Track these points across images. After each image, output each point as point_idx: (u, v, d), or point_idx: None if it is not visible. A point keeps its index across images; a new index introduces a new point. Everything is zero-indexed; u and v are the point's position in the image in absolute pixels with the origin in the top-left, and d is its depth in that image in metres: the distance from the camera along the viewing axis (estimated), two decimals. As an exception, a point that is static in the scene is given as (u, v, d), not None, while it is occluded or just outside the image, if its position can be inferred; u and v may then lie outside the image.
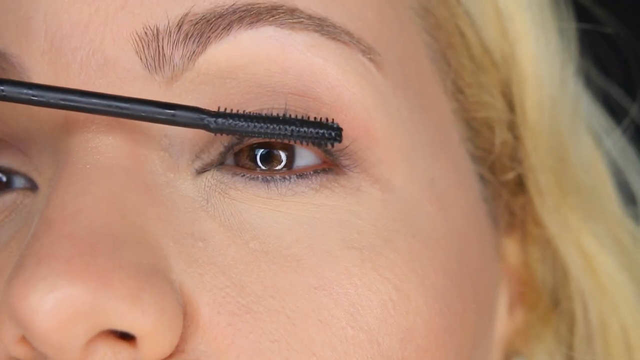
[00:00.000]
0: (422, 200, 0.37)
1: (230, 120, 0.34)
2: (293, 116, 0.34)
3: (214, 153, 0.35)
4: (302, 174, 0.35)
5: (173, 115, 0.33)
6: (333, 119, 0.35)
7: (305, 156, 0.36)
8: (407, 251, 0.35)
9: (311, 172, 0.35)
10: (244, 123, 0.34)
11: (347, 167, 0.36)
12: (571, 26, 0.46)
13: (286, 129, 0.34)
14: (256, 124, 0.34)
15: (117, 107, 0.33)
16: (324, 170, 0.36)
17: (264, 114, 0.34)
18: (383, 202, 0.36)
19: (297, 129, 0.34)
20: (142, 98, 0.33)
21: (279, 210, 0.35)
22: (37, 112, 0.35)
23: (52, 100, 0.33)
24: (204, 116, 0.33)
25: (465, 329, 0.37)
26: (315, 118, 0.35)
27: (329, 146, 0.35)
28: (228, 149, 0.36)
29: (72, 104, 0.33)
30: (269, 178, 0.35)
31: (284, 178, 0.35)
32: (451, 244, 0.37)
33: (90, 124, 0.34)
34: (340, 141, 0.35)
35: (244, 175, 0.35)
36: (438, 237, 0.37)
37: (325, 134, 0.34)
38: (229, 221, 0.34)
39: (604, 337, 0.44)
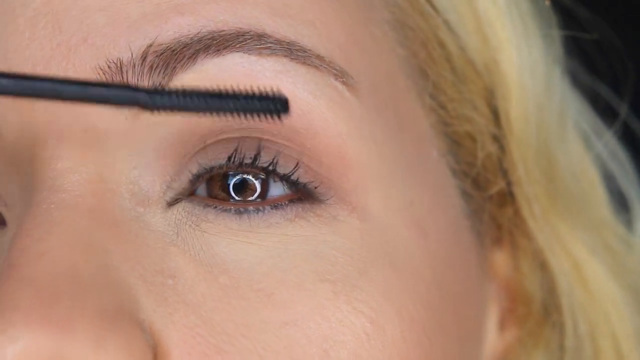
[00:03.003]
0: (400, 226, 0.36)
1: (168, 97, 0.31)
2: (236, 90, 0.32)
3: (184, 180, 0.35)
4: (276, 205, 0.34)
5: (104, 95, 0.31)
6: (279, 89, 0.32)
7: (280, 186, 0.35)
8: (384, 282, 0.34)
9: (286, 202, 0.35)
10: (182, 99, 0.31)
11: (323, 196, 0.35)
12: (555, 30, 0.45)
13: (227, 104, 0.32)
14: (195, 99, 0.31)
15: (53, 90, 0.31)
16: (299, 200, 0.35)
17: (204, 90, 0.32)
18: (360, 231, 0.35)
19: (240, 102, 0.32)
20: (70, 79, 0.31)
21: (251, 243, 0.34)
22: (3, 145, 0.34)
23: None
24: (139, 93, 0.31)
25: (447, 357, 0.36)
26: (259, 91, 0.32)
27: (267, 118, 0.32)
28: (201, 173, 0.35)
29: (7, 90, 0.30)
30: (242, 210, 0.34)
31: (258, 209, 0.34)
32: (431, 269, 0.36)
33: (57, 159, 0.34)
34: (286, 112, 0.32)
35: (215, 207, 0.34)
36: (417, 265, 0.36)
37: (270, 106, 0.32)
38: (199, 255, 0.34)
39: (594, 349, 0.44)
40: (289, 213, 0.34)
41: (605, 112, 0.48)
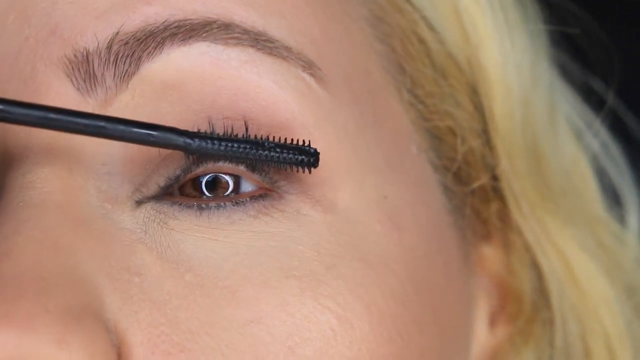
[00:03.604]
0: (372, 220, 0.36)
1: (209, 143, 0.33)
2: (270, 139, 0.34)
3: (153, 188, 0.34)
4: (238, 201, 0.34)
5: (149, 135, 0.33)
6: (310, 142, 0.34)
7: (250, 182, 0.35)
8: (352, 277, 0.34)
9: (248, 199, 0.34)
10: (222, 146, 0.33)
11: (285, 191, 0.35)
12: (540, 23, 0.44)
13: (264, 154, 0.33)
14: (234, 146, 0.33)
15: (91, 126, 0.32)
16: (262, 196, 0.34)
17: (240, 136, 0.34)
18: (326, 225, 0.35)
19: (274, 154, 0.33)
20: (120, 118, 0.33)
21: (217, 239, 0.34)
22: None
23: (30, 119, 0.32)
24: (183, 137, 0.33)
25: (424, 355, 0.36)
26: (292, 141, 0.34)
27: (298, 171, 0.34)
28: (170, 181, 0.35)
29: (49, 122, 0.32)
30: (203, 206, 0.34)
31: (219, 206, 0.34)
32: (405, 265, 0.36)
33: (26, 157, 0.34)
34: (316, 166, 0.34)
35: (181, 203, 0.34)
36: (389, 259, 0.35)
37: (304, 159, 0.34)
38: (166, 253, 0.33)
39: (585, 347, 0.43)
40: (251, 209, 0.34)
41: (598, 106, 0.48)
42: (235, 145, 0.33)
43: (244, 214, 0.34)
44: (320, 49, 0.36)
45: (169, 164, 0.34)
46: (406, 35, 0.39)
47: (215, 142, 0.33)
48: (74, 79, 0.34)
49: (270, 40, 0.35)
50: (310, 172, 0.34)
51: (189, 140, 0.33)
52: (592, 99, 0.48)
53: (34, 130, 0.33)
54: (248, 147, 0.33)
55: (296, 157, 0.34)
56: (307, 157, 0.34)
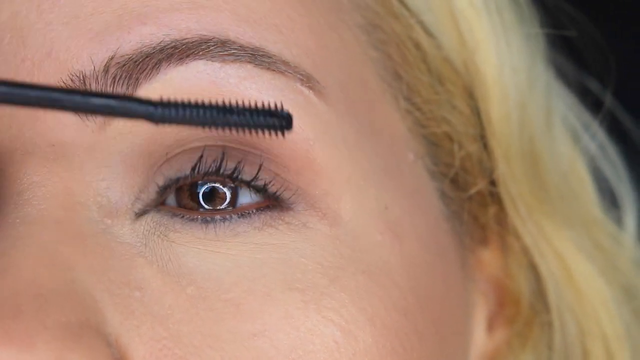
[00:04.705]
0: (374, 232, 0.36)
1: (173, 110, 0.31)
2: (240, 104, 0.32)
3: (152, 192, 0.34)
4: (243, 213, 0.34)
5: (109, 106, 0.31)
6: (282, 105, 0.33)
7: (248, 193, 0.35)
8: (355, 289, 0.34)
9: (254, 211, 0.34)
10: (188, 112, 0.31)
11: (292, 203, 0.35)
12: (536, 25, 0.44)
13: (233, 118, 0.32)
14: (201, 112, 0.31)
15: (50, 98, 0.30)
16: (268, 208, 0.34)
17: (208, 103, 0.32)
18: (331, 238, 0.35)
19: (245, 118, 0.32)
20: (77, 89, 0.32)
21: (219, 252, 0.34)
22: None
23: None
24: (147, 106, 0.31)
25: None
26: (262, 105, 0.32)
27: (270, 135, 0.32)
28: (168, 185, 0.34)
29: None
30: (208, 219, 0.34)
31: (225, 218, 0.34)
32: (406, 275, 0.36)
33: (23, 174, 0.33)
34: (290, 128, 0.32)
35: (183, 216, 0.34)
36: (391, 270, 0.35)
37: (275, 122, 0.32)
38: (167, 266, 0.33)
39: (583, 349, 0.43)
40: (256, 221, 0.34)
41: (595, 108, 0.48)
42: (202, 111, 0.31)
43: (249, 225, 0.34)
44: (316, 61, 0.36)
45: (168, 171, 0.34)
46: (402, 41, 0.39)
47: (180, 109, 0.31)
48: None
49: (267, 55, 0.35)
50: (283, 135, 0.32)
51: (151, 108, 0.31)
52: (589, 100, 0.48)
53: (30, 147, 0.33)
54: (215, 112, 0.31)
55: (267, 120, 0.32)
56: (279, 120, 0.32)
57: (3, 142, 0.34)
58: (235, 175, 0.34)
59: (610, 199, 0.47)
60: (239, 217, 0.34)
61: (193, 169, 0.34)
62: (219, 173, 0.34)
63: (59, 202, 0.33)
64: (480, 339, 0.42)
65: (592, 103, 0.48)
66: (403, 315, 0.35)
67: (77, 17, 0.34)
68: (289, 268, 0.34)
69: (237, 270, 0.33)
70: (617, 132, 0.48)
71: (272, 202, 0.35)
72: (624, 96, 0.48)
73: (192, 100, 0.31)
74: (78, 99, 0.30)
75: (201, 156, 0.34)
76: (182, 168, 0.34)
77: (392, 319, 0.34)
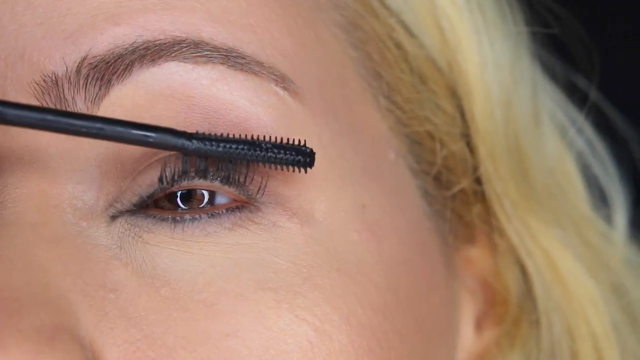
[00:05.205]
0: (350, 230, 0.35)
1: (207, 144, 0.33)
2: (267, 139, 0.34)
3: (127, 204, 0.34)
4: (213, 213, 0.34)
5: (146, 136, 0.32)
6: (305, 142, 0.34)
7: (226, 194, 0.35)
8: (330, 288, 0.34)
9: (223, 211, 0.34)
10: (220, 147, 0.33)
11: (262, 203, 0.34)
12: (520, 21, 0.44)
13: (260, 154, 0.33)
14: (232, 147, 0.33)
15: (89, 127, 0.32)
16: (238, 208, 0.34)
17: (236, 137, 0.33)
18: (303, 237, 0.34)
19: (271, 154, 0.33)
20: (116, 119, 0.33)
21: (192, 252, 0.34)
22: None
23: (27, 120, 0.32)
24: (181, 139, 0.33)
25: None
26: (287, 141, 0.34)
27: (294, 171, 0.34)
28: (141, 203, 0.34)
29: (47, 124, 0.32)
30: (178, 219, 0.34)
31: (194, 218, 0.34)
32: (385, 273, 0.36)
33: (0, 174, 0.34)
34: (312, 166, 0.34)
35: (155, 216, 0.34)
36: (368, 269, 0.35)
37: (300, 159, 0.34)
38: (142, 267, 0.33)
39: (572, 347, 0.43)
40: (226, 222, 0.34)
41: (582, 103, 0.47)
42: (233, 146, 0.33)
43: (219, 226, 0.34)
44: (292, 61, 0.36)
45: (141, 183, 0.34)
46: (382, 41, 0.39)
47: (214, 143, 0.33)
48: (44, 104, 0.33)
49: (241, 56, 0.34)
50: (306, 171, 0.34)
51: (186, 142, 0.32)
52: (576, 96, 0.47)
53: (5, 150, 0.33)
54: (245, 147, 0.33)
55: (292, 157, 0.33)
56: (303, 157, 0.34)
57: None
58: (200, 176, 0.34)
59: (600, 197, 0.47)
60: (209, 217, 0.34)
61: (160, 180, 0.34)
62: (185, 179, 0.34)
63: (33, 204, 0.33)
64: (468, 338, 0.42)
65: (580, 100, 0.47)
66: (381, 314, 0.35)
67: (51, 18, 0.34)
68: (261, 268, 0.34)
69: (211, 270, 0.33)
70: (605, 128, 0.48)
71: (242, 202, 0.34)
72: (611, 92, 0.47)
73: (224, 134, 0.33)
74: (120, 129, 0.32)
75: (163, 166, 0.34)
76: (151, 182, 0.34)
77: (369, 318, 0.34)
